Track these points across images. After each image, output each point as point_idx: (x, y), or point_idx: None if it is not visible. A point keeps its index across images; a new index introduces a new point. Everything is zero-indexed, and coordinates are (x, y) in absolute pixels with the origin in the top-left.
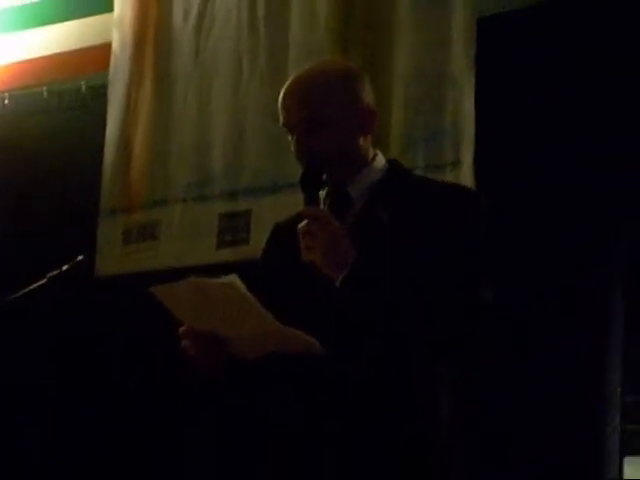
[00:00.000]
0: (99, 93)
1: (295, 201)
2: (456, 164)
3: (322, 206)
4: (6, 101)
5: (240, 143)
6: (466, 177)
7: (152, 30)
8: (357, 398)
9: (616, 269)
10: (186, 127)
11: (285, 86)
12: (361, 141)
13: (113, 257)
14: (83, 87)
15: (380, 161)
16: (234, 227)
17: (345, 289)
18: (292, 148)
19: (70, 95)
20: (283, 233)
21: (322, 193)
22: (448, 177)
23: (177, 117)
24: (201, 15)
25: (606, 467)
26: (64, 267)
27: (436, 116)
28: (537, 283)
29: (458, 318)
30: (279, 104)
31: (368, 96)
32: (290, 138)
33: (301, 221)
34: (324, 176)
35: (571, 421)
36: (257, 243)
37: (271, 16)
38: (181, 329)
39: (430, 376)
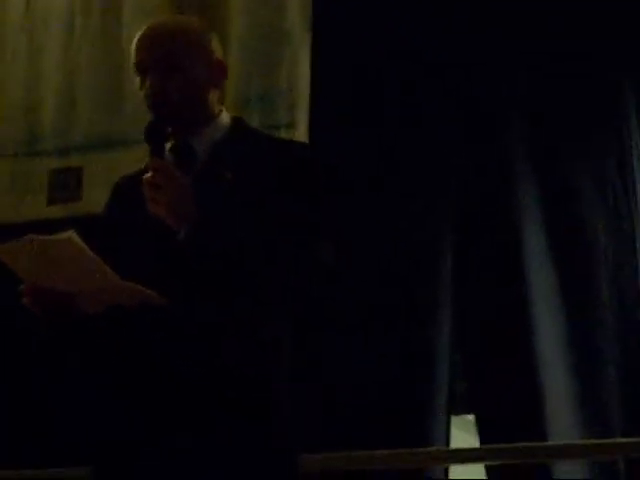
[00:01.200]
0: None
1: (128, 157)
2: (291, 125)
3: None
4: None
5: (72, 100)
6: (301, 138)
7: None
8: (195, 350)
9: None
10: (15, 83)
11: (142, 30)
12: (210, 94)
13: None
14: None
15: (225, 118)
16: (65, 183)
17: (189, 241)
18: (142, 92)
19: None
20: (126, 189)
21: (167, 146)
22: (283, 136)
23: (5, 72)
24: None
25: (434, 425)
26: None
27: (271, 77)
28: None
29: (295, 275)
30: (133, 44)
31: (218, 51)
32: (139, 83)
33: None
34: (169, 129)
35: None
36: (89, 199)
37: None
38: (21, 287)
39: (269, 338)
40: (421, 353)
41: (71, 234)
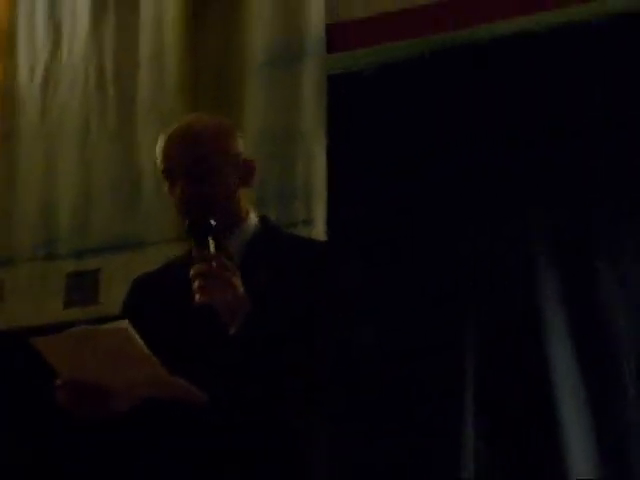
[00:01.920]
0: None
1: (145, 259)
2: (308, 222)
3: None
4: None
5: (88, 202)
6: (319, 234)
7: None
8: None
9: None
10: (32, 186)
11: (168, 133)
12: (240, 194)
13: None
14: None
15: (253, 217)
16: (82, 286)
17: (241, 335)
18: (172, 196)
19: None
20: (147, 286)
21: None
22: (301, 233)
23: (22, 176)
24: (47, 73)
25: None
26: None
27: (287, 175)
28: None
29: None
30: (160, 150)
31: (244, 150)
32: (168, 187)
33: (180, 270)
34: (212, 222)
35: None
36: (107, 302)
37: (120, 76)
38: (57, 381)
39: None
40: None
41: (127, 324)
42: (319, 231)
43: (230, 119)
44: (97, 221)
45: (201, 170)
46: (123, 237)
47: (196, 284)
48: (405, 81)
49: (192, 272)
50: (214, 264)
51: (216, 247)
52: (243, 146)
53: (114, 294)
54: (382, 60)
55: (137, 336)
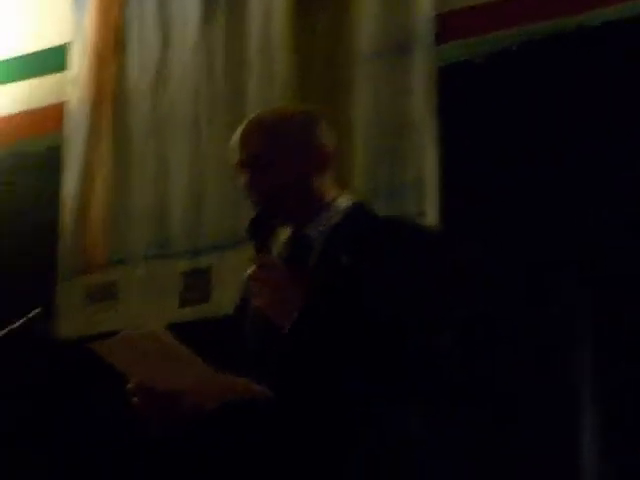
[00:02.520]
0: (56, 154)
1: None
2: (421, 214)
3: (276, 251)
4: None
5: (200, 200)
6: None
7: (109, 88)
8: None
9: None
10: (145, 186)
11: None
12: (316, 181)
13: (74, 319)
14: (40, 148)
15: (343, 202)
16: (196, 285)
17: (290, 340)
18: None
19: (27, 156)
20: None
21: (283, 237)
22: None
23: (135, 176)
24: (158, 73)
25: None
26: (20, 321)
27: (398, 168)
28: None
29: (410, 366)
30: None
31: (324, 137)
32: (240, 179)
33: None
34: (275, 221)
35: None
36: (218, 300)
37: (228, 73)
38: (128, 386)
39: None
40: None
41: (154, 330)
42: (432, 223)
43: (339, 112)
44: (209, 219)
45: (259, 163)
46: (234, 234)
47: (252, 290)
48: (516, 69)
49: (248, 277)
50: (262, 268)
51: (288, 245)
52: (326, 133)
53: (226, 292)
54: (493, 48)
55: (171, 338)
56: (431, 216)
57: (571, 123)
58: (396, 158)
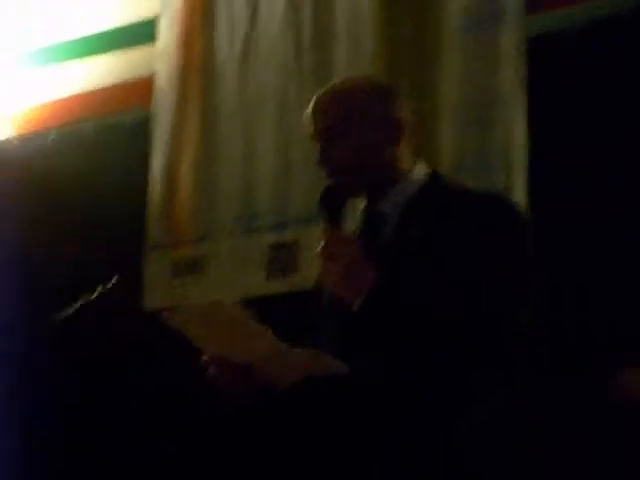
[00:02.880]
0: (144, 127)
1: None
2: (508, 189)
3: (351, 226)
4: (52, 137)
5: (287, 175)
6: (519, 203)
7: (197, 62)
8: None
9: None
10: (232, 160)
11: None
12: (390, 152)
13: (161, 291)
14: (129, 121)
15: (419, 174)
16: (282, 258)
17: (360, 316)
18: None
19: (115, 130)
20: None
21: (357, 211)
22: None
23: (223, 150)
24: (246, 46)
25: None
26: (99, 290)
27: (486, 141)
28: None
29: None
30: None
31: (399, 109)
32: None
33: None
34: (347, 193)
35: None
36: (305, 273)
37: (316, 46)
38: (204, 357)
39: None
40: None
41: (220, 299)
42: (519, 199)
43: (427, 86)
44: (295, 193)
45: (331, 133)
46: None
47: (321, 266)
48: (608, 39)
49: (317, 252)
50: (332, 243)
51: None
52: (401, 105)
53: (312, 265)
54: (584, 19)
55: (239, 310)
56: (518, 192)
57: None
58: (484, 131)
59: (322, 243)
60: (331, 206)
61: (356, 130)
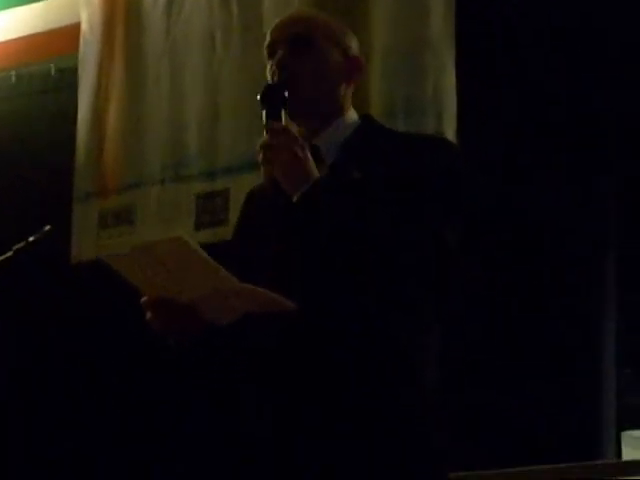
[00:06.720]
0: (69, 75)
1: None
2: (438, 134)
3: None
4: None
5: (215, 121)
6: None
7: (122, 9)
8: (332, 359)
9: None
10: (159, 107)
11: None
12: (342, 88)
13: (89, 242)
14: (52, 70)
15: (352, 116)
16: (212, 207)
17: (302, 206)
18: (269, 75)
19: (39, 78)
20: (257, 198)
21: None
22: None
23: (150, 97)
24: None
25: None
26: (30, 238)
27: (416, 87)
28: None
29: (415, 257)
30: (268, 32)
31: (356, 49)
32: (269, 65)
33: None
34: (286, 93)
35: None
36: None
37: None
38: (142, 300)
39: (415, 345)
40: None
41: (181, 235)
42: None
43: (356, 33)
44: (224, 141)
45: (301, 40)
46: (251, 156)
47: (260, 156)
48: None
49: (259, 144)
50: (273, 134)
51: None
52: (356, 47)
53: None
54: None
55: (196, 246)
56: (449, 137)
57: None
58: (414, 78)
59: (263, 137)
60: (273, 100)
61: (321, 46)
